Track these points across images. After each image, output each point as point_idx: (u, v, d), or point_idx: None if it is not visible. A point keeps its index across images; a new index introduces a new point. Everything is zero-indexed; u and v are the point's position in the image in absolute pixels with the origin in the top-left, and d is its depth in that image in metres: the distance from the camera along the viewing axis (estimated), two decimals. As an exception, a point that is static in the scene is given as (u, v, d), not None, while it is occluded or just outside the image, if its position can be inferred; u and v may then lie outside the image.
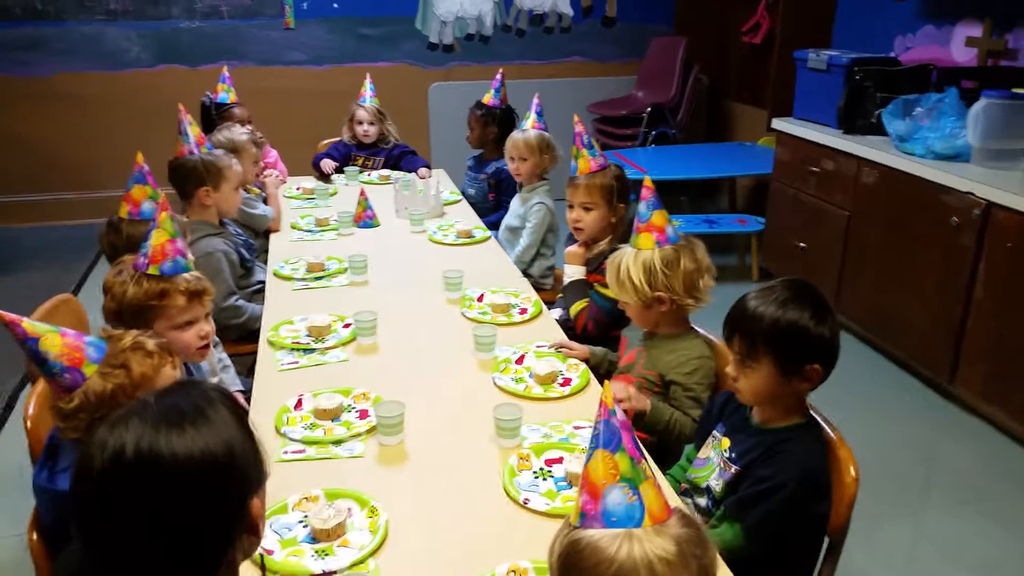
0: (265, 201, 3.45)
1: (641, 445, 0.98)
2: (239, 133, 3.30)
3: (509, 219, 3.37)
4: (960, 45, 3.93)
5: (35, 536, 1.45)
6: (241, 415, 1.04)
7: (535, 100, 3.34)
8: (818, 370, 1.55)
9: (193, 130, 2.82)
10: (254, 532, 1.04)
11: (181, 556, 0.96)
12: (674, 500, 1.44)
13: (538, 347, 2.16)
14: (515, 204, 3.37)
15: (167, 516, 0.94)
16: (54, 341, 1.37)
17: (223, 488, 0.98)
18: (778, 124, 4.29)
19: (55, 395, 1.40)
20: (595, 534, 0.93)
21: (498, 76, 3.87)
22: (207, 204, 2.75)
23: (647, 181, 2.03)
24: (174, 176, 2.76)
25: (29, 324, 1.38)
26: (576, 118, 2.69)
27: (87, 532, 0.97)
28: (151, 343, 1.46)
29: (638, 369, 2.04)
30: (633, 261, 1.99)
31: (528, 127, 3.28)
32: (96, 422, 1.34)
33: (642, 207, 2.01)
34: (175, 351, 1.59)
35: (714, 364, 1.99)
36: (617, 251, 2.09)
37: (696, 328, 2.08)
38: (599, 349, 2.21)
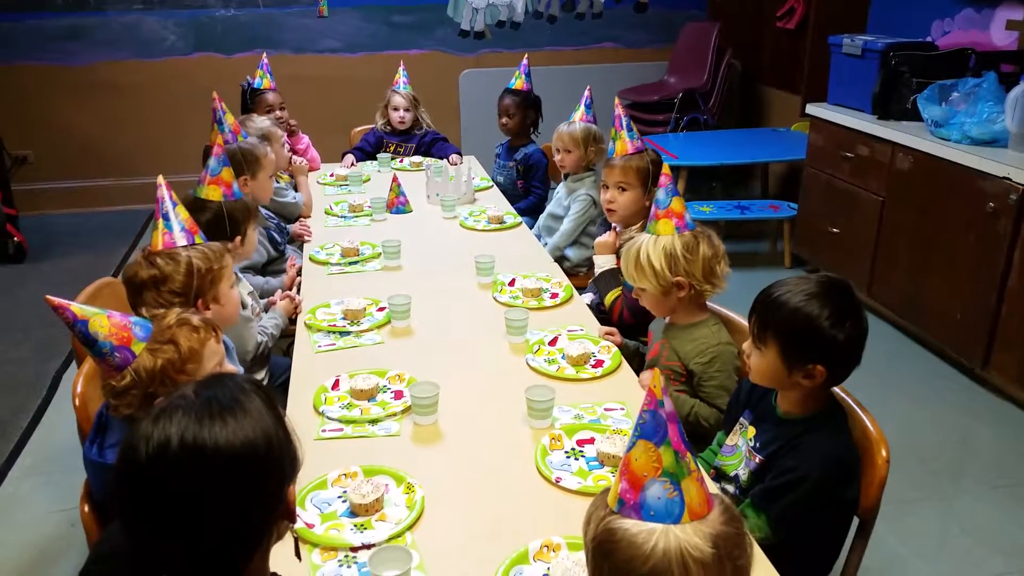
0: (295, 188, 3.50)
1: (686, 437, 0.96)
2: (262, 120, 3.34)
3: (553, 207, 3.38)
4: (1000, 29, 3.86)
5: (87, 508, 1.50)
6: (275, 405, 1.07)
7: (586, 92, 3.29)
8: (821, 371, 1.53)
9: (228, 118, 2.86)
10: (288, 517, 1.07)
11: (222, 543, 0.99)
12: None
13: (570, 331, 2.18)
14: (560, 193, 3.37)
15: (210, 506, 0.97)
16: (102, 322, 1.41)
17: (263, 477, 1.01)
18: (812, 109, 4.25)
19: (106, 374, 1.44)
20: (631, 528, 0.93)
21: (524, 61, 3.88)
22: (245, 192, 2.80)
23: (665, 168, 2.05)
24: None
25: (78, 307, 1.42)
26: (617, 100, 2.71)
27: (131, 521, 1.00)
28: (195, 318, 1.50)
29: (662, 362, 2.06)
30: (653, 246, 1.99)
31: (575, 119, 3.26)
32: (148, 397, 1.39)
33: (660, 193, 2.02)
34: (228, 314, 1.67)
35: (734, 349, 1.99)
36: (631, 239, 2.10)
37: (717, 313, 2.09)
38: (631, 342, 2.23)
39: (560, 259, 3.20)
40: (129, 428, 1.02)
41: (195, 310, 1.56)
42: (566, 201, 3.29)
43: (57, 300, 1.41)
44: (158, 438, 0.97)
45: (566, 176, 3.35)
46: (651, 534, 0.91)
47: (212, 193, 2.30)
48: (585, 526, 1.00)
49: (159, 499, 0.97)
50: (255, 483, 1.00)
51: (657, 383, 0.94)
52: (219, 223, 2.23)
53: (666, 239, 1.99)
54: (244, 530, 1.01)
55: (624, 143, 2.63)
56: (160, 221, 1.88)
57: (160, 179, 1.92)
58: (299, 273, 2.75)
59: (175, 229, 1.88)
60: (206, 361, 1.48)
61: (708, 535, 0.92)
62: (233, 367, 1.65)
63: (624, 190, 2.61)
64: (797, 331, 1.53)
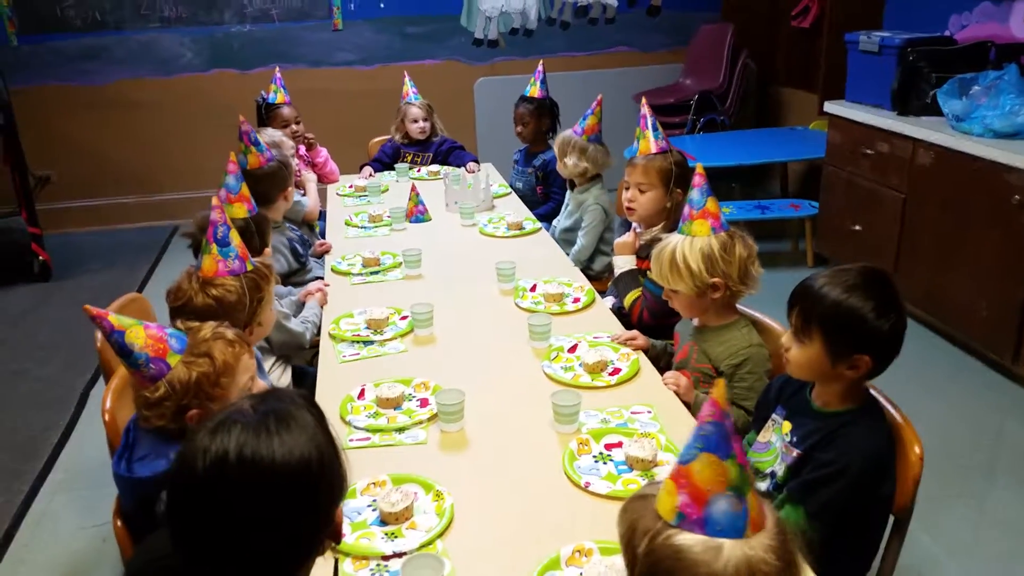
0: (302, 194, 3.54)
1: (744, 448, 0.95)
2: (273, 132, 3.36)
3: (563, 220, 3.37)
4: (1020, 20, 3.82)
5: (119, 523, 1.51)
6: (325, 423, 1.07)
7: (594, 104, 3.25)
8: (867, 361, 1.53)
9: (262, 137, 2.91)
10: (334, 537, 1.07)
11: (270, 558, 0.99)
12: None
13: (595, 338, 2.17)
14: (569, 205, 3.36)
15: (263, 520, 0.97)
16: (138, 333, 1.42)
17: (315, 493, 1.01)
18: (830, 107, 4.23)
19: (139, 385, 1.45)
20: (696, 545, 0.90)
21: (539, 67, 3.88)
22: (288, 203, 2.88)
23: (699, 168, 2.03)
24: (262, 184, 2.73)
25: (115, 318, 1.43)
26: (644, 100, 2.69)
27: (180, 533, 1.00)
28: (230, 332, 1.51)
29: (692, 364, 2.05)
30: (689, 247, 1.98)
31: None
32: (181, 410, 1.40)
33: (695, 194, 2.01)
34: (265, 333, 1.78)
35: (766, 351, 1.98)
36: (657, 240, 2.09)
37: (745, 314, 2.07)
38: (659, 342, 2.22)
39: (584, 269, 3.19)
40: (184, 441, 1.02)
41: (227, 324, 1.56)
42: (577, 213, 3.28)
43: (95, 310, 1.44)
44: (216, 451, 0.97)
45: (573, 185, 3.34)
46: (719, 551, 0.90)
47: (238, 211, 2.33)
48: (628, 534, 0.97)
49: (213, 512, 0.97)
50: (307, 499, 1.01)
51: (721, 395, 0.92)
52: (250, 239, 2.23)
53: (702, 240, 1.98)
54: (293, 545, 1.01)
55: (648, 143, 2.61)
56: (214, 246, 1.88)
57: (215, 200, 1.93)
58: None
59: (230, 256, 1.89)
60: (239, 375, 1.49)
61: (771, 547, 0.91)
62: (264, 383, 1.66)
63: (644, 191, 2.59)
64: (842, 323, 1.52)
